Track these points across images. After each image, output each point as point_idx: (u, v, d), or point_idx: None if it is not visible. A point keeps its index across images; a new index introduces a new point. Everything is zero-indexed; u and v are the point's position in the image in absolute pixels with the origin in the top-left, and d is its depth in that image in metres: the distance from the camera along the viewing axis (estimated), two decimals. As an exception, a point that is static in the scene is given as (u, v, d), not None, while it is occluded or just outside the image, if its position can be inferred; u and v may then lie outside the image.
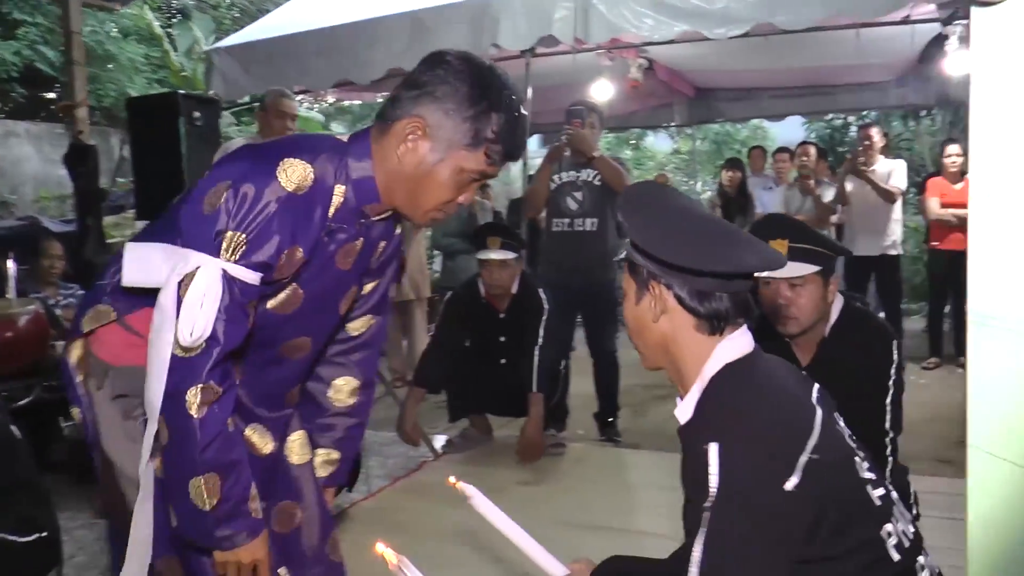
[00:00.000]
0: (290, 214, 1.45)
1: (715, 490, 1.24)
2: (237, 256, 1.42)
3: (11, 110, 12.46)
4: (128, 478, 1.59)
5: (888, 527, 1.33)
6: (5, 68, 11.10)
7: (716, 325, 1.38)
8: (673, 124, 9.94)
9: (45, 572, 2.31)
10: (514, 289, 4.22)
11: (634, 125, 10.61)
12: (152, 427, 1.47)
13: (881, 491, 1.36)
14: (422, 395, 4.25)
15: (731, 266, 1.34)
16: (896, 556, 1.31)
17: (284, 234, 1.45)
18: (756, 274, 1.42)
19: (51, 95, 13.05)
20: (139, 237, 1.58)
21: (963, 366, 6.03)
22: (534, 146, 9.83)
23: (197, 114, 4.87)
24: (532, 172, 5.90)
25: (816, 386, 1.43)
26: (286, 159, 1.46)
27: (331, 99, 9.28)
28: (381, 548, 1.48)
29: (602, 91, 7.14)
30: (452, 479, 1.70)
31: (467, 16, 5.35)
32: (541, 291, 4.26)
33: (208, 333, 1.40)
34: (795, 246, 2.18)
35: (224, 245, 1.41)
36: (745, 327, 1.41)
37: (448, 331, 4.31)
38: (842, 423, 1.41)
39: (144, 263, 1.48)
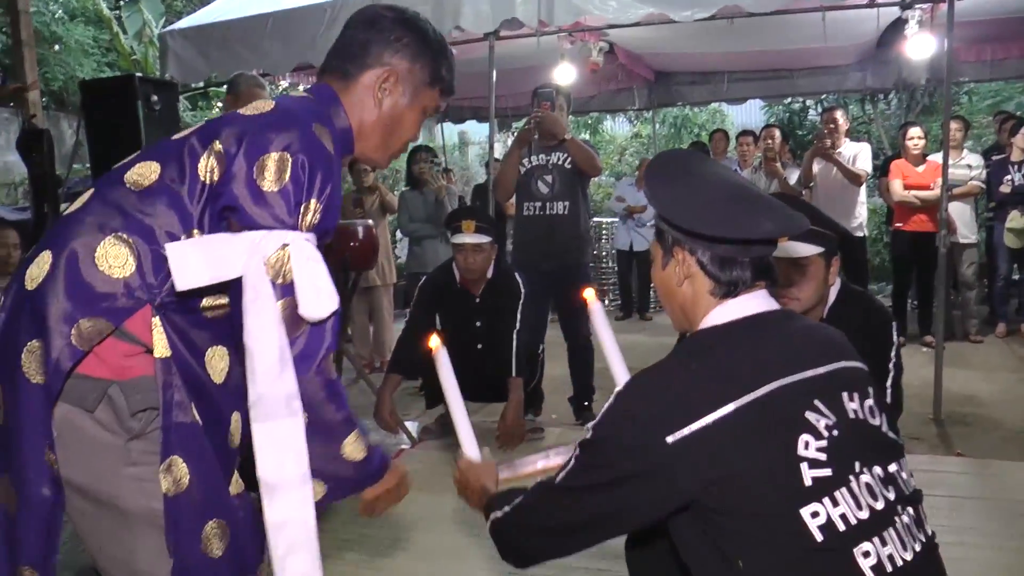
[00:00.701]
0: (335, 177, 1.47)
1: (597, 417, 1.35)
2: (313, 225, 1.43)
3: (-45, 94, 12.09)
4: (136, 515, 1.38)
5: (821, 506, 1.24)
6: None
7: (731, 290, 1.40)
8: (633, 108, 9.92)
9: None
10: (489, 273, 4.18)
11: (594, 109, 10.57)
12: (277, 422, 1.39)
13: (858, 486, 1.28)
14: (398, 382, 4.19)
15: (750, 232, 1.36)
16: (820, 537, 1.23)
17: (338, 197, 1.49)
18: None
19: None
20: (141, 230, 1.40)
21: (929, 344, 6.15)
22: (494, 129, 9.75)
23: (155, 98, 4.74)
24: (496, 157, 5.87)
25: (843, 364, 1.40)
26: (313, 124, 1.47)
27: (287, 82, 9.14)
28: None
29: (564, 74, 7.09)
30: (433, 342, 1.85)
31: (430, -2, 5.28)
32: (517, 275, 4.22)
33: (336, 304, 1.41)
34: None
35: (302, 216, 1.40)
36: (763, 291, 1.42)
37: (422, 317, 4.25)
38: (857, 404, 1.36)
39: (207, 260, 1.36)
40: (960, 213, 6.60)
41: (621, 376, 1.69)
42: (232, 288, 1.40)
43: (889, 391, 2.23)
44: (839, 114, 6.51)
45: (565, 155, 4.54)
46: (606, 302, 9.36)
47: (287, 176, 1.38)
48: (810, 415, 1.29)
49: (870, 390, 1.40)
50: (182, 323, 1.41)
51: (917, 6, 5.60)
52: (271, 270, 1.36)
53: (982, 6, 5.25)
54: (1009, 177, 6.66)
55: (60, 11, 12.35)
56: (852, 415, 1.33)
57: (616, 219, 9.05)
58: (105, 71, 12.44)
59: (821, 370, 1.35)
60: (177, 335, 1.40)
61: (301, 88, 1.47)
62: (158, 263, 1.37)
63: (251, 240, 1.37)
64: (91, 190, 1.46)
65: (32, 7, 9.40)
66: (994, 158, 6.97)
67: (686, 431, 1.24)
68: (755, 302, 1.41)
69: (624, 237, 8.77)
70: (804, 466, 1.24)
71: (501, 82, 6.07)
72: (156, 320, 1.37)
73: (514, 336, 4.02)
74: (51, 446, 1.33)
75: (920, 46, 5.93)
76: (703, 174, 1.45)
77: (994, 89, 10.96)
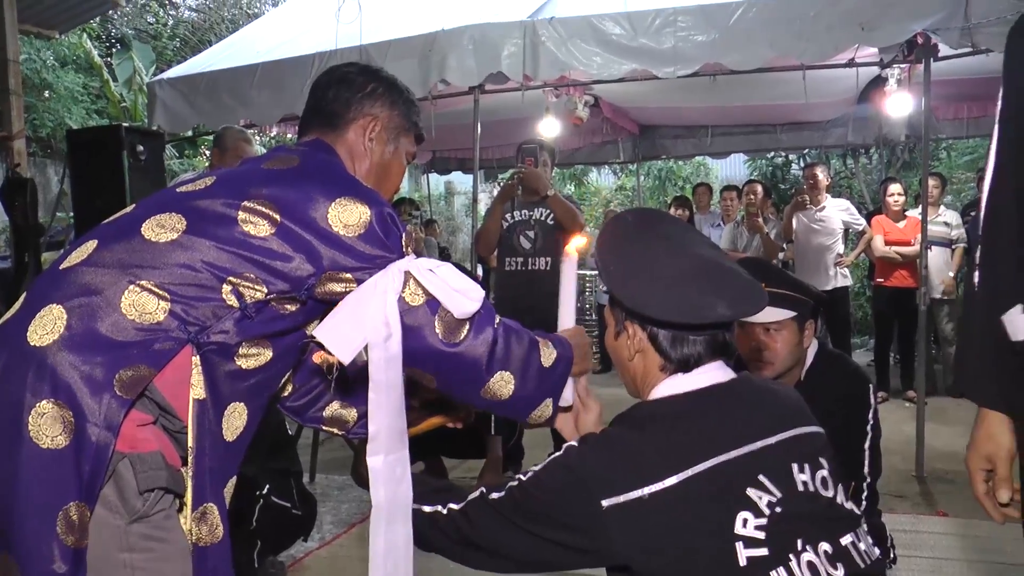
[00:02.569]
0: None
1: (542, 463, 1.35)
2: (412, 249, 1.49)
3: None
4: None
5: None
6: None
7: (683, 367, 1.39)
8: (618, 161, 10.01)
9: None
10: None
11: (579, 162, 10.66)
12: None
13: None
14: None
15: (701, 316, 1.34)
16: None
17: None
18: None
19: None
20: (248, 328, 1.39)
21: (911, 400, 6.15)
22: (480, 180, 9.81)
23: (141, 148, 4.75)
24: (479, 206, 5.90)
25: (796, 431, 1.37)
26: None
27: (274, 132, 9.19)
28: None
29: (549, 128, 7.16)
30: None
31: (416, 51, 5.36)
32: None
33: (481, 288, 1.46)
34: (771, 291, 2.16)
35: (405, 245, 1.47)
36: (718, 363, 1.40)
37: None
38: (808, 475, 1.33)
39: (353, 324, 1.39)
40: (941, 268, 6.66)
41: (566, 322, 1.74)
42: (277, 341, 1.44)
43: (867, 453, 2.22)
44: (819, 170, 6.61)
45: (548, 211, 4.56)
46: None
47: (369, 218, 1.42)
48: (752, 492, 1.26)
49: (823, 460, 1.37)
50: (215, 370, 1.37)
51: (896, 65, 5.69)
52: (412, 297, 1.41)
53: (959, 65, 5.33)
54: (988, 233, 6.74)
55: (51, 58, 12.43)
56: (801, 487, 1.30)
57: (597, 272, 9.08)
58: (94, 118, 12.49)
59: (772, 440, 1.32)
60: (209, 382, 1.35)
61: (288, 136, 1.56)
62: (193, 308, 1.34)
63: (374, 284, 1.41)
64: (92, 242, 1.40)
65: (23, 54, 9.47)
66: (972, 214, 7.05)
67: (622, 498, 1.23)
68: (708, 375, 1.39)
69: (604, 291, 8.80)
70: (739, 545, 1.22)
71: (486, 133, 6.13)
72: (196, 359, 1.33)
73: (493, 393, 3.99)
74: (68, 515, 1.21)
75: (899, 104, 6.03)
76: (657, 247, 1.43)
77: (972, 145, 11.12)
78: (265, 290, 1.37)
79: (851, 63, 5.32)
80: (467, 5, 5.65)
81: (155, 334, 1.30)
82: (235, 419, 1.44)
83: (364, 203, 1.42)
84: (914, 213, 6.53)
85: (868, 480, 2.24)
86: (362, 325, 1.38)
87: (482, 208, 5.87)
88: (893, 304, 6.67)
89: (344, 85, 1.67)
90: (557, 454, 1.34)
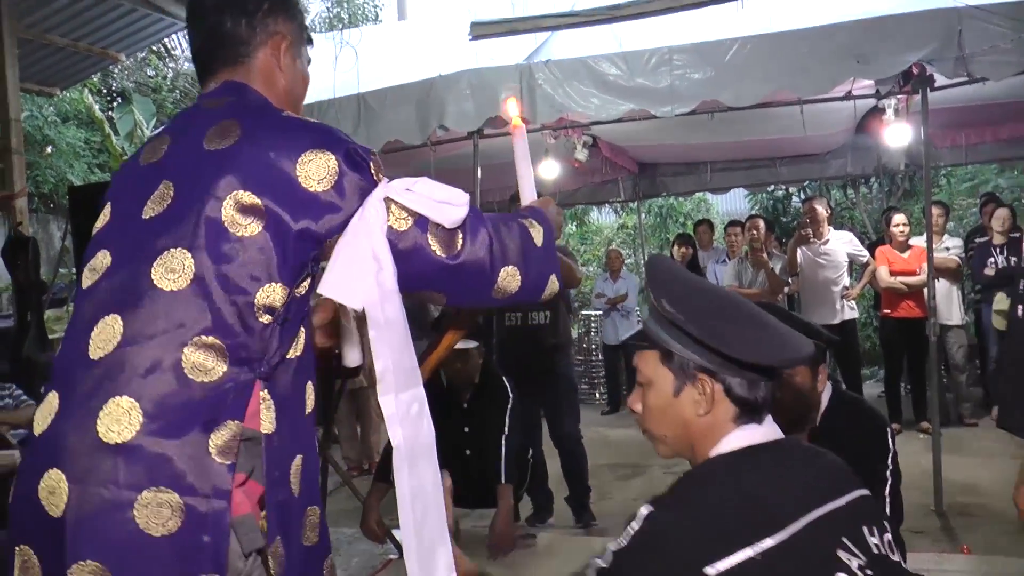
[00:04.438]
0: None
1: (623, 541, 1.25)
2: (383, 171, 1.45)
3: (-56, 199, 12.16)
4: None
5: None
6: (-62, 157, 10.87)
7: (756, 416, 1.36)
8: (618, 200, 10.03)
9: None
10: (476, 379, 4.13)
11: (579, 201, 10.69)
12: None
13: None
14: (385, 490, 4.09)
15: (791, 356, 1.36)
16: None
17: None
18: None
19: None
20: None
21: (925, 431, 6.08)
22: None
23: (141, 202, 4.75)
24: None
25: (856, 494, 1.34)
26: (283, 111, 1.51)
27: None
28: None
29: (548, 170, 7.18)
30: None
31: (414, 98, 5.38)
32: (505, 379, 4.18)
33: (463, 193, 1.43)
34: None
35: (374, 172, 1.43)
36: (770, 417, 1.39)
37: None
38: (878, 538, 1.30)
39: (354, 271, 1.37)
40: (944, 295, 6.62)
41: (529, 193, 1.75)
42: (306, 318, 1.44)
43: (888, 499, 2.17)
44: (818, 204, 6.62)
45: None
46: (596, 396, 9.29)
47: (334, 165, 1.38)
48: (842, 554, 1.23)
49: (887, 524, 1.36)
50: (284, 381, 1.38)
51: (892, 96, 5.71)
52: (401, 223, 1.39)
53: (956, 94, 5.36)
54: (992, 260, 6.71)
55: (53, 114, 12.52)
56: (875, 551, 1.28)
57: (600, 312, 9.08)
58: (96, 173, 12.55)
59: (841, 502, 1.30)
60: (278, 411, 1.35)
61: (205, 102, 1.41)
62: (244, 343, 1.31)
63: (358, 221, 1.38)
64: (113, 317, 1.32)
65: (25, 111, 9.55)
66: (977, 240, 7.03)
67: (726, 563, 1.16)
68: (770, 427, 1.37)
69: (611, 331, 8.78)
70: None
71: (486, 176, 6.13)
72: (264, 393, 1.34)
73: (502, 441, 3.95)
74: None
75: (898, 134, 6.04)
76: (719, 290, 1.46)
77: (971, 171, 11.13)
78: (284, 286, 1.35)
79: (848, 96, 5.35)
80: (463, 50, 5.68)
81: (226, 386, 1.29)
82: (310, 394, 1.47)
83: (326, 149, 1.38)
84: (917, 241, 6.51)
85: (892, 526, 2.19)
86: (361, 266, 1.37)
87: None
88: (901, 334, 6.62)
89: (238, 8, 1.56)
90: (638, 532, 1.24)
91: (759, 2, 4.84)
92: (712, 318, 1.34)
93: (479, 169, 5.69)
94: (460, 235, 1.42)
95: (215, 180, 1.34)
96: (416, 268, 1.41)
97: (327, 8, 17.48)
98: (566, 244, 14.18)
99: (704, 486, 1.30)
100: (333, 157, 1.37)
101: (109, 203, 1.49)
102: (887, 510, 2.16)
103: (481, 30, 5.32)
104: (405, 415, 1.40)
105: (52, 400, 1.33)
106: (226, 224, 1.32)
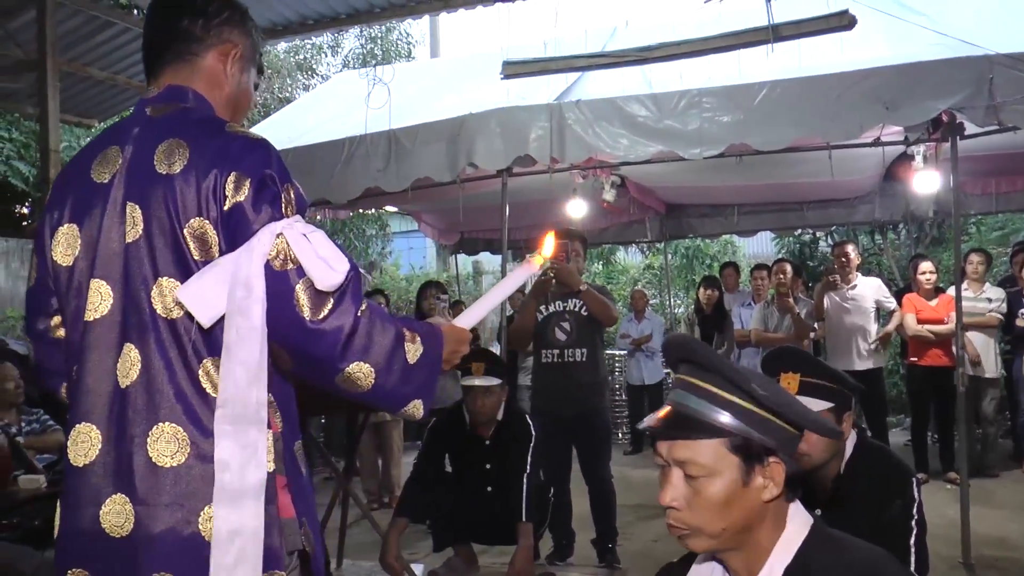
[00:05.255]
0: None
1: None
2: (296, 207, 1.45)
3: (-20, 226, 12.36)
4: None
5: None
6: (-23, 185, 11.07)
7: (797, 491, 1.37)
8: (645, 240, 10.04)
9: None
10: (499, 415, 4.13)
11: (606, 241, 10.72)
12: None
13: None
14: (405, 525, 4.10)
15: (819, 427, 1.40)
16: None
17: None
18: None
19: (24, 210, 13.00)
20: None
21: (953, 482, 5.98)
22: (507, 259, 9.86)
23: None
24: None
25: None
26: (226, 124, 1.53)
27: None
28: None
29: (576, 209, 7.21)
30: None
31: (444, 136, 5.42)
32: (528, 418, 4.18)
33: (348, 262, 1.41)
34: (807, 380, 2.12)
35: (285, 205, 1.43)
36: None
37: (431, 459, 4.20)
38: None
39: (219, 287, 1.37)
40: (983, 347, 6.53)
41: (466, 319, 1.67)
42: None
43: (913, 551, 2.14)
44: (850, 249, 6.58)
45: (582, 302, 4.59)
46: (619, 436, 9.24)
47: (246, 184, 1.41)
48: None
49: None
50: (274, 379, 1.46)
51: (922, 144, 5.70)
52: (277, 262, 1.37)
53: (986, 141, 5.33)
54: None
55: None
56: None
57: (625, 352, 9.05)
58: (130, 202, 12.70)
59: None
60: (277, 398, 1.47)
61: (148, 109, 1.42)
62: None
63: (247, 246, 1.38)
64: (128, 346, 1.41)
65: (64, 141, 9.72)
66: (1009, 290, 6.96)
67: None
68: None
69: (635, 371, 8.76)
70: None
71: (514, 214, 6.17)
72: (270, 396, 1.43)
73: (524, 480, 3.95)
74: None
75: (927, 181, 6.03)
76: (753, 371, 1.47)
77: (1001, 220, 11.05)
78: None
79: (877, 142, 5.34)
80: (494, 89, 5.74)
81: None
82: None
83: (246, 175, 1.41)
84: (951, 291, 6.45)
85: None
86: (227, 287, 1.37)
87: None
88: (928, 383, 6.55)
89: (199, 10, 1.62)
90: None
91: (788, 46, 4.86)
92: (782, 394, 1.36)
93: (507, 207, 5.72)
94: (328, 305, 1.38)
95: (175, 208, 1.41)
96: (273, 315, 1.38)
97: (361, 45, 17.71)
98: (592, 281, 14.19)
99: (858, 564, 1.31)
100: (249, 181, 1.41)
101: (71, 222, 1.52)
102: (912, 562, 2.12)
103: (513, 69, 5.38)
104: (241, 450, 1.37)
105: (88, 431, 1.42)
106: (193, 250, 1.41)
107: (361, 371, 1.42)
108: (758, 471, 1.31)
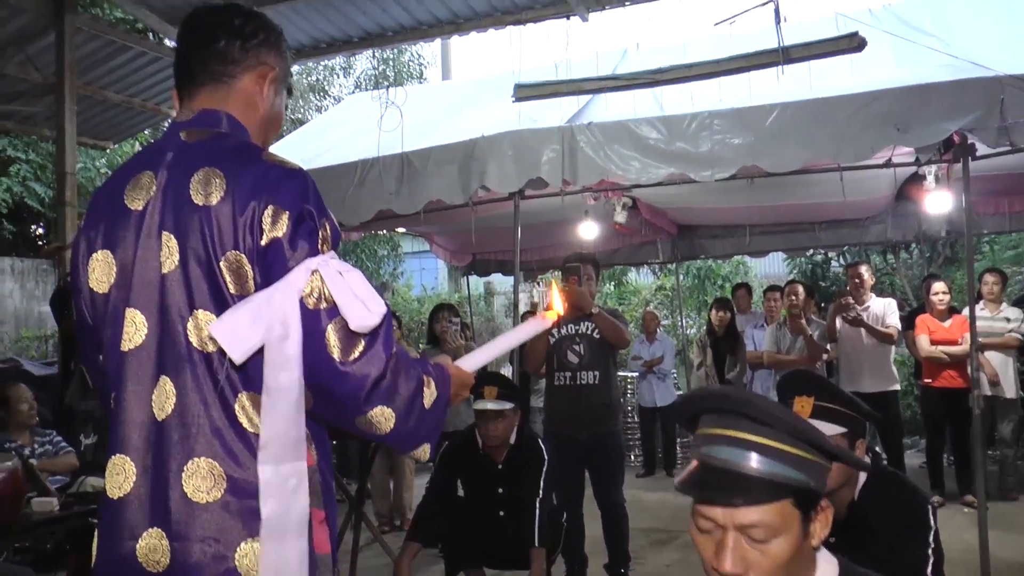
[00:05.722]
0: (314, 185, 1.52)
1: None
2: (332, 241, 1.45)
3: (-3, 246, 12.47)
4: None
5: None
6: (-5, 205, 11.18)
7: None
8: (657, 261, 10.04)
9: None
10: (512, 440, 4.13)
11: (618, 262, 10.72)
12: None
13: None
14: (417, 550, 4.09)
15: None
16: None
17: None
18: None
19: (39, 231, 13.11)
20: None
21: (970, 505, 5.92)
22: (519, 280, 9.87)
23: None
24: (520, 308, 5.90)
25: None
26: (262, 151, 1.51)
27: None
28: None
29: (588, 231, 7.23)
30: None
31: (456, 158, 5.44)
32: (541, 442, 4.18)
33: (383, 305, 1.39)
34: (820, 404, 2.12)
35: (321, 241, 1.42)
36: None
37: (443, 484, 4.20)
38: None
39: (253, 321, 1.35)
40: (1002, 367, 6.48)
41: (470, 362, 1.66)
42: None
43: (930, 579, 2.12)
44: (864, 269, 6.56)
45: (594, 324, 4.59)
46: (632, 458, 9.21)
47: (284, 218, 1.40)
48: None
49: None
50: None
51: (934, 164, 5.69)
52: (311, 300, 1.36)
53: (997, 162, 5.32)
54: (1039, 330, 6.59)
55: (105, 166, 12.86)
56: None
57: (637, 373, 9.03)
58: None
59: None
60: (313, 432, 1.47)
61: (183, 133, 1.42)
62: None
63: (283, 282, 1.37)
64: (164, 379, 1.41)
65: (79, 163, 9.83)
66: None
67: None
68: None
69: (647, 394, 8.73)
70: None
71: (526, 236, 6.18)
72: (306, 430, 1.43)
73: (536, 504, 3.94)
74: None
75: (939, 202, 6.00)
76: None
77: (1015, 239, 11.01)
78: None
79: (888, 163, 5.34)
80: (506, 111, 5.77)
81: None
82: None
83: (284, 208, 1.40)
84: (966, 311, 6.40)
85: None
86: (260, 324, 1.35)
87: (523, 309, 5.88)
88: (943, 405, 6.49)
89: (236, 31, 1.61)
90: None
91: (799, 68, 4.88)
92: (817, 431, 1.34)
93: (519, 229, 5.74)
94: (361, 345, 1.37)
95: (211, 240, 1.40)
96: (303, 353, 1.37)
97: (373, 66, 17.83)
98: (604, 302, 14.18)
99: None
100: (287, 215, 1.40)
101: (105, 248, 1.51)
102: None
103: (525, 92, 5.42)
104: (281, 488, 1.37)
105: (122, 464, 1.41)
106: (229, 283, 1.40)
107: (383, 415, 1.41)
108: (814, 519, 1.29)
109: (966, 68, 4.58)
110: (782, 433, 1.26)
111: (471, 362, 1.67)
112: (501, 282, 15.06)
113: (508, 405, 4.03)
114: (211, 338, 1.38)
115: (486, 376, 4.61)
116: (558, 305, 1.77)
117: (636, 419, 9.28)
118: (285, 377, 1.35)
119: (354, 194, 5.77)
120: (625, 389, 9.54)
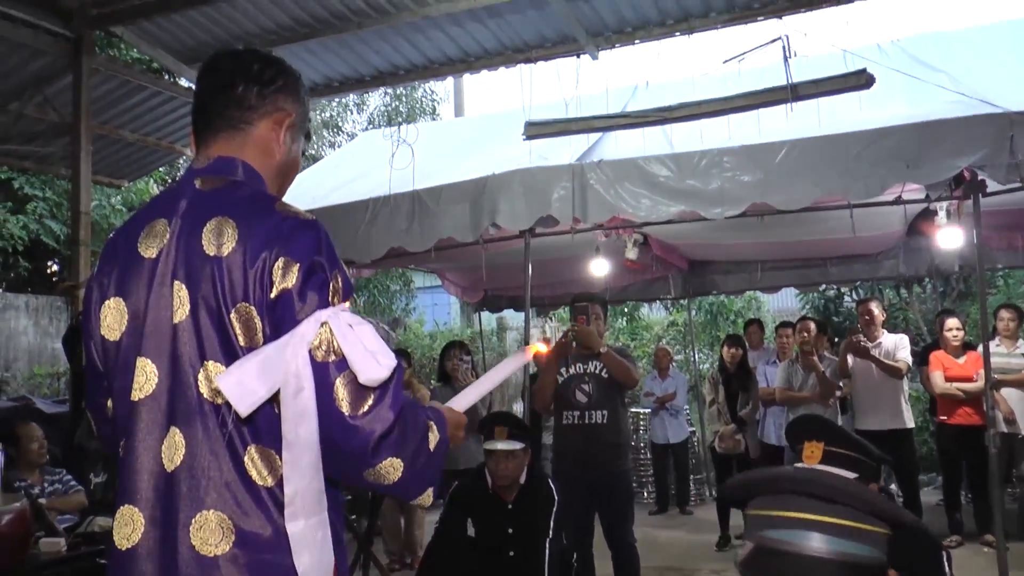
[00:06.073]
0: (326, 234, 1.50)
1: None
2: (343, 293, 1.43)
3: (11, 282, 12.57)
4: None
5: None
6: (12, 242, 11.27)
7: None
8: (668, 296, 10.03)
9: None
10: (522, 479, 4.11)
11: (630, 298, 10.73)
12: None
13: None
14: None
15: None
16: None
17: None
18: None
19: (54, 268, 13.21)
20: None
21: (989, 544, 5.83)
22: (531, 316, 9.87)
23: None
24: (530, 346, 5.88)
25: None
26: (276, 201, 1.49)
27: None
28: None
29: (599, 267, 7.23)
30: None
31: (468, 196, 5.46)
32: (551, 482, 4.15)
33: (394, 358, 1.37)
34: (831, 450, 2.10)
35: (331, 294, 1.41)
36: None
37: (453, 523, 4.17)
38: None
39: (260, 374, 1.33)
40: (1019, 404, 6.39)
41: (462, 401, 1.64)
42: None
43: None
44: (874, 306, 6.53)
45: (602, 364, 4.59)
46: (644, 495, 9.13)
47: (294, 270, 1.38)
48: None
49: None
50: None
51: (945, 200, 5.68)
52: (319, 352, 1.34)
53: (1008, 197, 5.30)
54: (1056, 366, 6.51)
55: (120, 203, 12.98)
56: None
57: (649, 410, 8.99)
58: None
59: None
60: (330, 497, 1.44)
61: (198, 181, 1.42)
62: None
63: (293, 334, 1.35)
64: (174, 429, 1.40)
65: (94, 200, 9.93)
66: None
67: None
68: None
69: (660, 430, 8.69)
70: None
71: (537, 272, 6.18)
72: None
73: (546, 545, 3.91)
74: None
75: (950, 237, 5.98)
76: None
77: (1030, 273, 10.97)
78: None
79: (898, 200, 5.33)
80: (516, 148, 5.80)
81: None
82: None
83: (295, 260, 1.38)
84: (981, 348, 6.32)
85: None
86: (267, 375, 1.33)
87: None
88: (959, 442, 6.42)
89: (255, 77, 1.60)
90: None
91: (808, 105, 4.90)
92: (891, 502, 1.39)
93: (530, 266, 5.74)
94: (371, 399, 1.35)
95: (222, 291, 1.39)
96: None
97: (386, 103, 17.99)
98: (615, 342, 14.14)
99: None
100: (297, 267, 1.38)
101: (117, 296, 1.50)
102: None
103: (535, 130, 5.46)
104: (312, 541, 1.37)
105: (131, 514, 1.40)
106: (239, 335, 1.39)
107: (392, 465, 1.39)
108: None
109: (975, 104, 4.58)
110: (847, 508, 1.23)
111: (462, 402, 1.66)
112: (513, 317, 15.02)
113: (519, 445, 4.02)
114: (216, 390, 1.37)
115: (496, 416, 4.59)
116: (542, 345, 1.78)
117: (649, 456, 9.22)
118: (304, 430, 1.34)
119: (366, 231, 5.79)
120: (637, 425, 9.48)
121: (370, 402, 1.35)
